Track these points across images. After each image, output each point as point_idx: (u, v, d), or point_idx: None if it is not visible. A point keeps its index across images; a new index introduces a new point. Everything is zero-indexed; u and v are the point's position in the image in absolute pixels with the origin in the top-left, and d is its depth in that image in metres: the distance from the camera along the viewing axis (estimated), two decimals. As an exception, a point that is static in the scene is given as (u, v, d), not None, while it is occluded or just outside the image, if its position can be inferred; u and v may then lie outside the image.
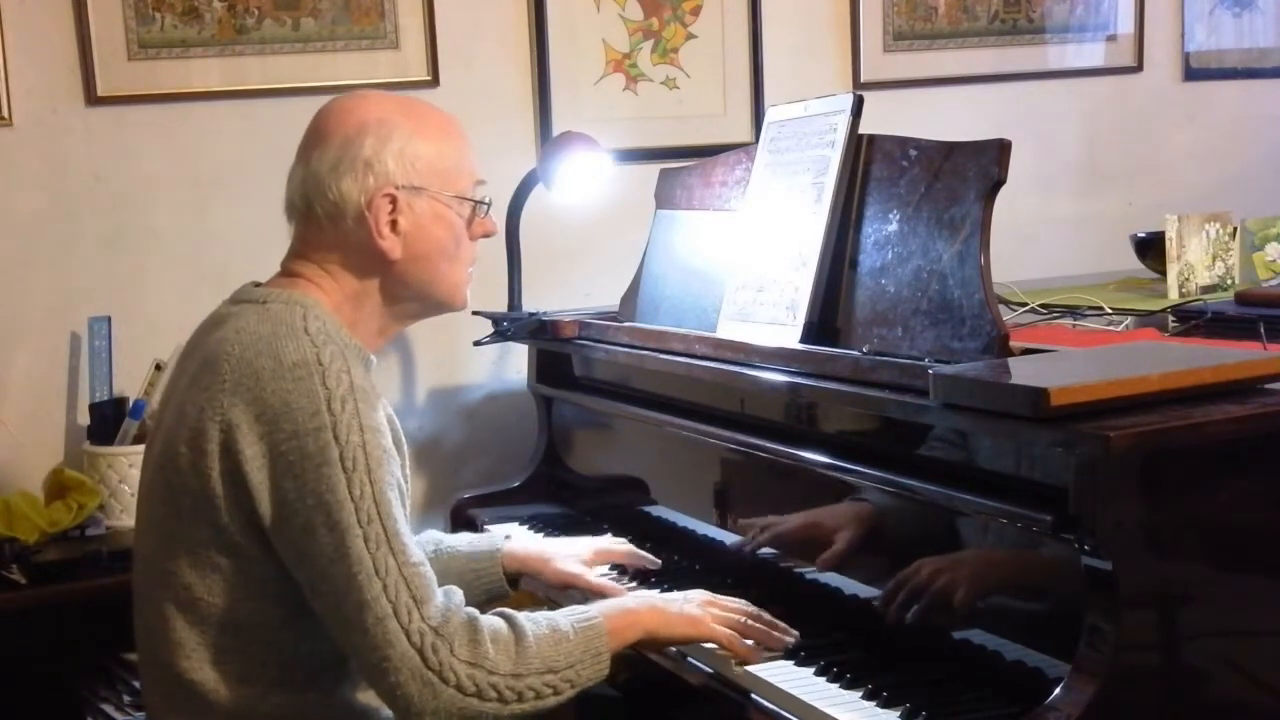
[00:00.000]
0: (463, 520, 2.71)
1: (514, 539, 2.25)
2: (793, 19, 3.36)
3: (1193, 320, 2.29)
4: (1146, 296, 2.62)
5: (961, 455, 1.78)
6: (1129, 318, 2.38)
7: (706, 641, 1.89)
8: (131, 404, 2.83)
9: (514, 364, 3.14)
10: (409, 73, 3.07)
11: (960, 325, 1.90)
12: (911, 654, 1.81)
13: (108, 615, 2.31)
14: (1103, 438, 1.50)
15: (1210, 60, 3.75)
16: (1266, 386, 1.67)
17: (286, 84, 2.98)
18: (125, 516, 2.75)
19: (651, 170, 2.80)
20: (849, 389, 1.92)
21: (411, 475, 2.14)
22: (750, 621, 1.90)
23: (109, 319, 2.86)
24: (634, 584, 2.24)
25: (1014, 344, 1.89)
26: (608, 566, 2.26)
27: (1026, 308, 2.53)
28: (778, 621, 1.91)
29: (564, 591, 2.18)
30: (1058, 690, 1.54)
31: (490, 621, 1.72)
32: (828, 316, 2.13)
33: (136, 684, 2.31)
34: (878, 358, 1.90)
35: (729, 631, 1.88)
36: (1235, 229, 2.70)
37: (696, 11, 3.28)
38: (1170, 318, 2.34)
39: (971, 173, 1.96)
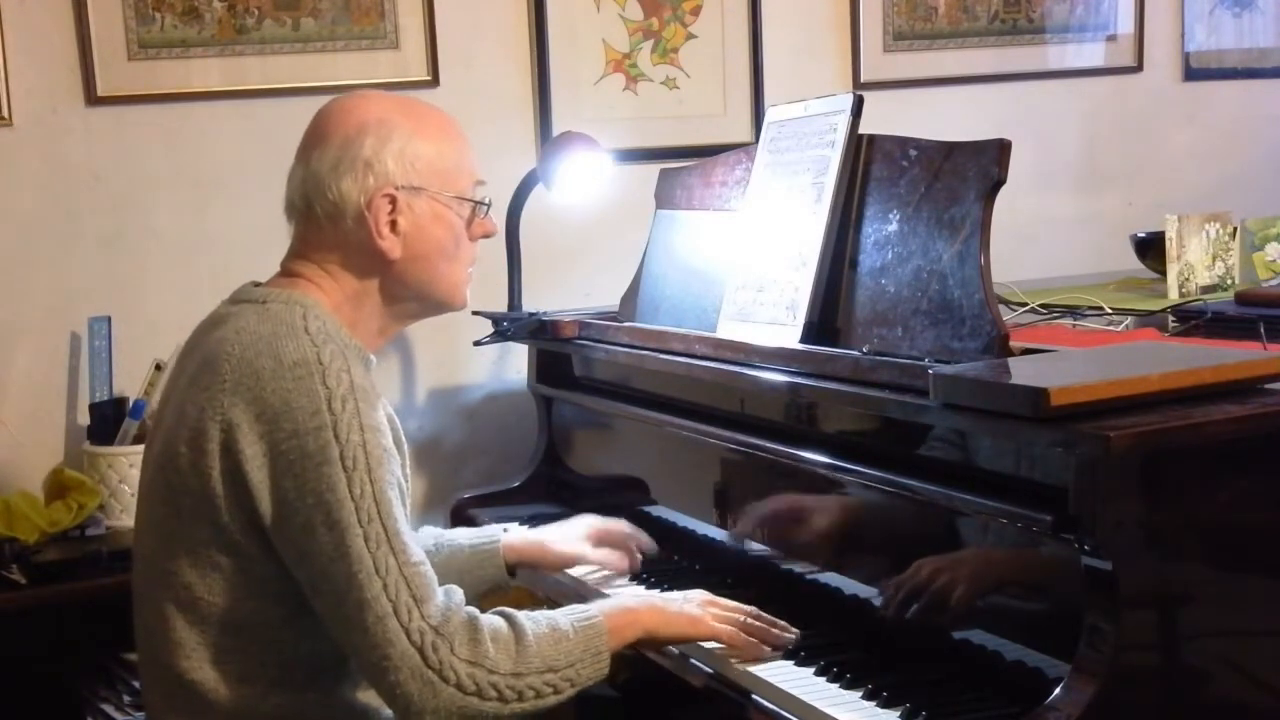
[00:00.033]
0: (463, 520, 2.70)
1: (510, 531, 2.26)
2: (793, 19, 3.36)
3: (1193, 320, 2.29)
4: (1146, 296, 2.62)
5: (961, 455, 1.78)
6: (1129, 318, 2.38)
7: (706, 640, 1.90)
8: (131, 404, 2.83)
9: (514, 364, 3.14)
10: (409, 73, 3.07)
11: (960, 325, 1.90)
12: (911, 654, 1.81)
13: (108, 615, 2.31)
14: (1103, 438, 1.50)
15: (1210, 60, 3.75)
16: (1266, 386, 1.67)
17: (286, 84, 2.98)
18: (125, 516, 2.75)
19: (651, 170, 2.80)
20: (849, 389, 1.92)
21: (411, 475, 2.14)
22: (750, 621, 1.90)
23: (109, 319, 2.86)
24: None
25: (1014, 344, 1.89)
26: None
27: (1026, 308, 2.53)
28: (778, 620, 1.91)
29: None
30: (1058, 690, 1.54)
31: (490, 620, 1.73)
32: (828, 316, 2.13)
33: (136, 684, 2.31)
34: (878, 358, 1.90)
35: (729, 629, 1.88)
36: (1235, 229, 2.70)
37: (696, 11, 3.28)
38: (1170, 318, 2.34)
39: (971, 173, 1.96)
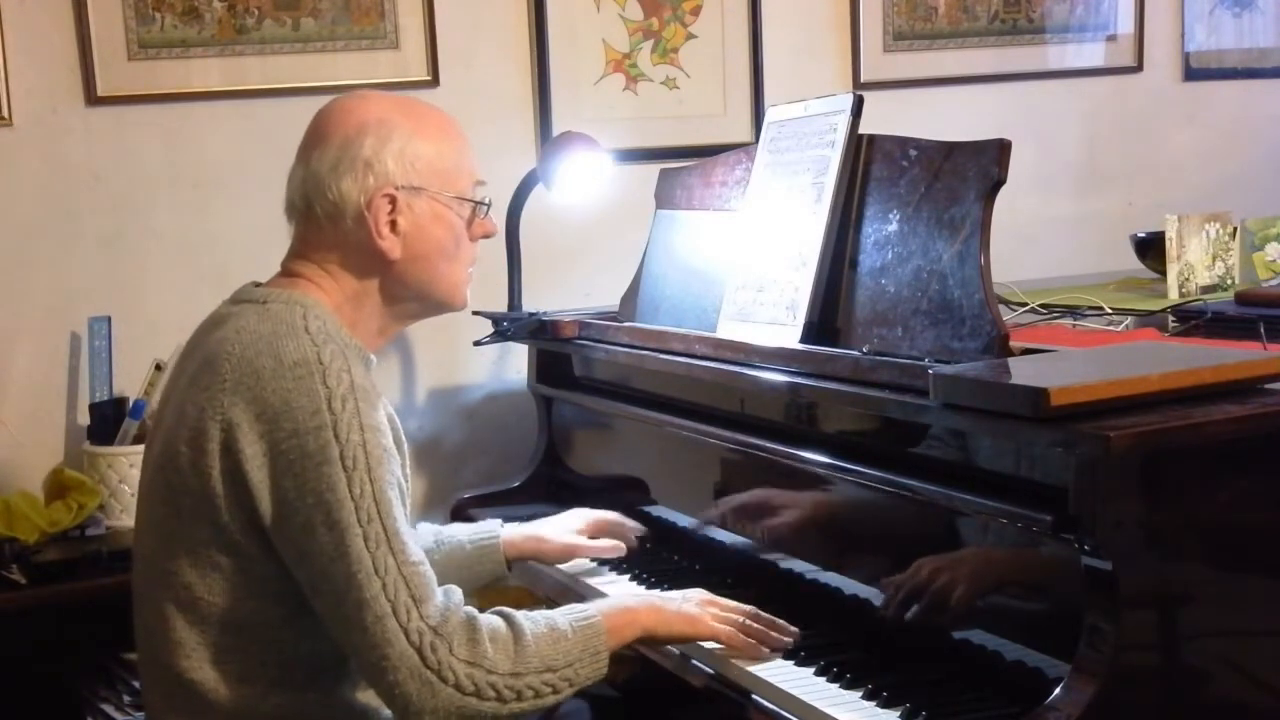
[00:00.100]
0: (462, 520, 2.71)
1: (507, 526, 2.28)
2: (793, 19, 3.36)
3: (1193, 320, 2.29)
4: (1146, 296, 2.62)
5: (961, 455, 1.78)
6: (1129, 318, 2.38)
7: (705, 640, 1.90)
8: (131, 404, 2.83)
9: (514, 364, 3.14)
10: (409, 73, 3.07)
11: (960, 325, 1.90)
12: (911, 654, 1.81)
13: (108, 615, 2.31)
14: (1103, 438, 1.50)
15: (1210, 60, 3.75)
16: (1266, 386, 1.67)
17: (286, 84, 2.98)
18: (125, 516, 2.75)
19: (651, 170, 2.80)
20: (849, 389, 1.92)
21: (411, 475, 2.14)
22: (749, 621, 1.90)
23: (109, 319, 2.86)
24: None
25: (1014, 344, 1.89)
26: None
27: (1026, 308, 2.53)
28: (777, 620, 1.91)
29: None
30: (1058, 690, 1.54)
31: (489, 620, 1.73)
32: (828, 316, 2.13)
33: (136, 684, 2.31)
34: (878, 358, 1.90)
35: (728, 629, 1.88)
36: (1235, 229, 2.70)
37: (696, 11, 3.28)
38: (1170, 318, 2.34)
39: (971, 173, 1.96)
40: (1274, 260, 2.76)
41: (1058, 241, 3.53)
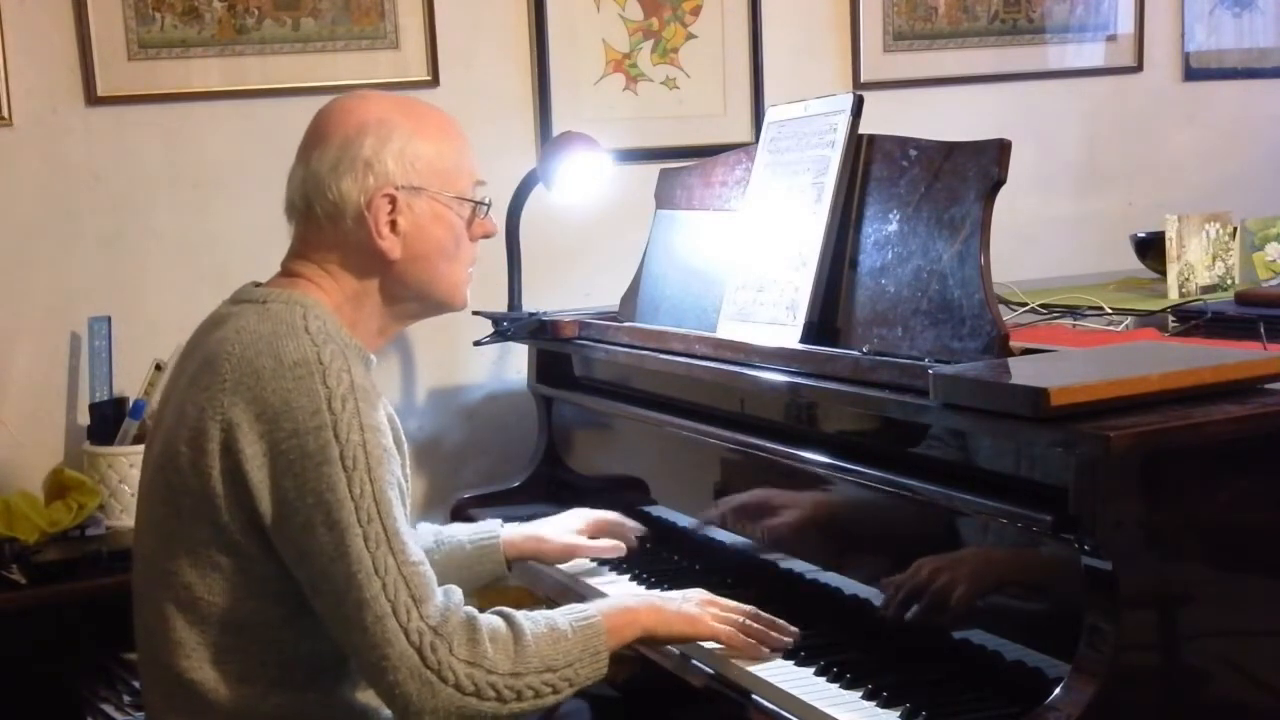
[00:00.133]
0: (462, 520, 2.71)
1: (507, 527, 2.28)
2: (793, 19, 3.36)
3: (1193, 320, 2.29)
4: (1146, 296, 2.62)
5: (961, 455, 1.78)
6: (1129, 318, 2.38)
7: (705, 640, 1.90)
8: (131, 404, 2.83)
9: (514, 364, 3.14)
10: (409, 73, 3.07)
11: (960, 325, 1.90)
12: (911, 654, 1.81)
13: (108, 615, 2.31)
14: (1103, 438, 1.50)
15: (1210, 60, 3.75)
16: (1266, 386, 1.67)
17: (286, 84, 2.98)
18: (125, 516, 2.75)
19: (651, 170, 2.80)
20: (849, 389, 1.92)
21: (411, 475, 2.14)
22: (749, 621, 1.90)
23: (109, 319, 2.86)
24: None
25: (1014, 344, 1.89)
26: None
27: (1026, 308, 2.53)
28: (777, 620, 1.91)
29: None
30: (1058, 690, 1.54)
31: (489, 620, 1.73)
32: (828, 316, 2.13)
33: (136, 684, 2.31)
34: (878, 358, 1.90)
35: (728, 629, 1.88)
36: (1235, 229, 2.70)
37: (696, 11, 3.28)
38: (1170, 318, 2.34)
39: (971, 173, 1.96)
40: (1274, 260, 2.76)
41: (1058, 241, 3.53)
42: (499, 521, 2.29)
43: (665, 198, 2.69)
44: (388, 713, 1.76)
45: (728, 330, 2.29)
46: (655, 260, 2.65)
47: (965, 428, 1.74)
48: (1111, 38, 3.65)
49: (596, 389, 2.69)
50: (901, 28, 3.45)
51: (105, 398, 2.84)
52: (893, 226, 2.06)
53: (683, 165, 2.70)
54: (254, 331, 1.73)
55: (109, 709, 2.51)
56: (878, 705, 1.71)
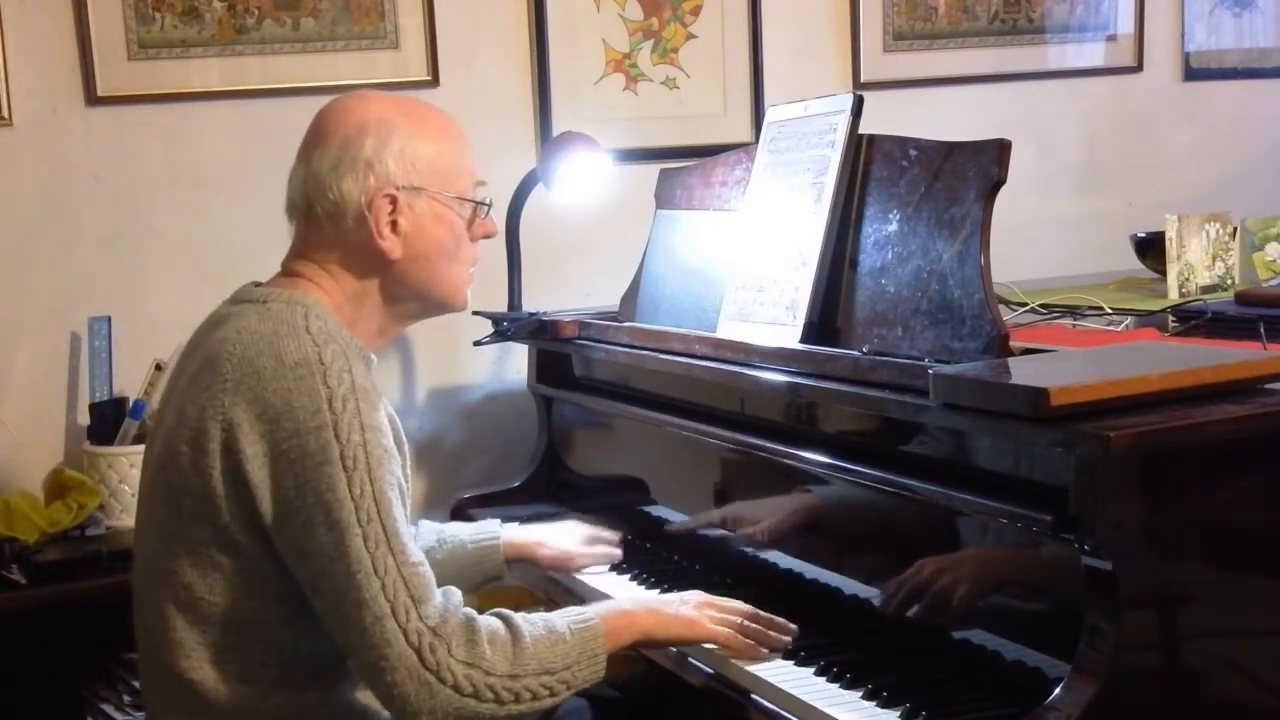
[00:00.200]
0: (462, 520, 2.71)
1: (506, 527, 2.30)
2: (793, 19, 3.36)
3: (1193, 320, 2.29)
4: (1146, 296, 2.62)
5: (961, 455, 1.78)
6: (1129, 318, 2.38)
7: (703, 642, 1.90)
8: (131, 404, 2.83)
9: (514, 364, 3.14)
10: (409, 73, 3.07)
11: (960, 325, 1.90)
12: (911, 654, 1.81)
13: (108, 615, 2.31)
14: (1103, 438, 1.50)
15: (1210, 60, 3.75)
16: (1266, 386, 1.67)
17: (286, 84, 2.98)
18: (125, 516, 2.75)
19: (651, 170, 2.80)
20: (849, 389, 1.92)
21: (412, 475, 2.14)
22: (746, 621, 1.90)
23: (109, 319, 2.86)
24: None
25: (1014, 344, 1.89)
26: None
27: (1026, 308, 2.53)
28: (775, 618, 1.91)
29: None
30: (1058, 690, 1.54)
31: (488, 622, 1.73)
32: (828, 316, 2.13)
33: (136, 684, 2.31)
34: (878, 358, 1.90)
35: (725, 631, 1.88)
36: (1235, 229, 2.70)
37: (696, 11, 3.28)
38: (1170, 318, 2.34)
39: (971, 173, 1.96)
40: (1274, 260, 2.76)
41: (1058, 241, 3.53)
42: (498, 522, 2.29)
43: (665, 198, 2.69)
44: (388, 713, 1.76)
45: (728, 330, 2.29)
46: (655, 260, 2.65)
47: (965, 428, 1.74)
48: (1111, 38, 3.65)
49: (596, 389, 2.69)
50: (901, 28, 3.45)
51: (105, 398, 2.84)
52: (893, 226, 2.06)
53: (683, 165, 2.70)
54: (255, 331, 1.73)
55: (109, 709, 2.51)
56: (878, 705, 1.71)
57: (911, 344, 1.96)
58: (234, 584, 1.73)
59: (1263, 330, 2.09)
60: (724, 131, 3.26)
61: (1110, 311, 2.44)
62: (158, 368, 2.79)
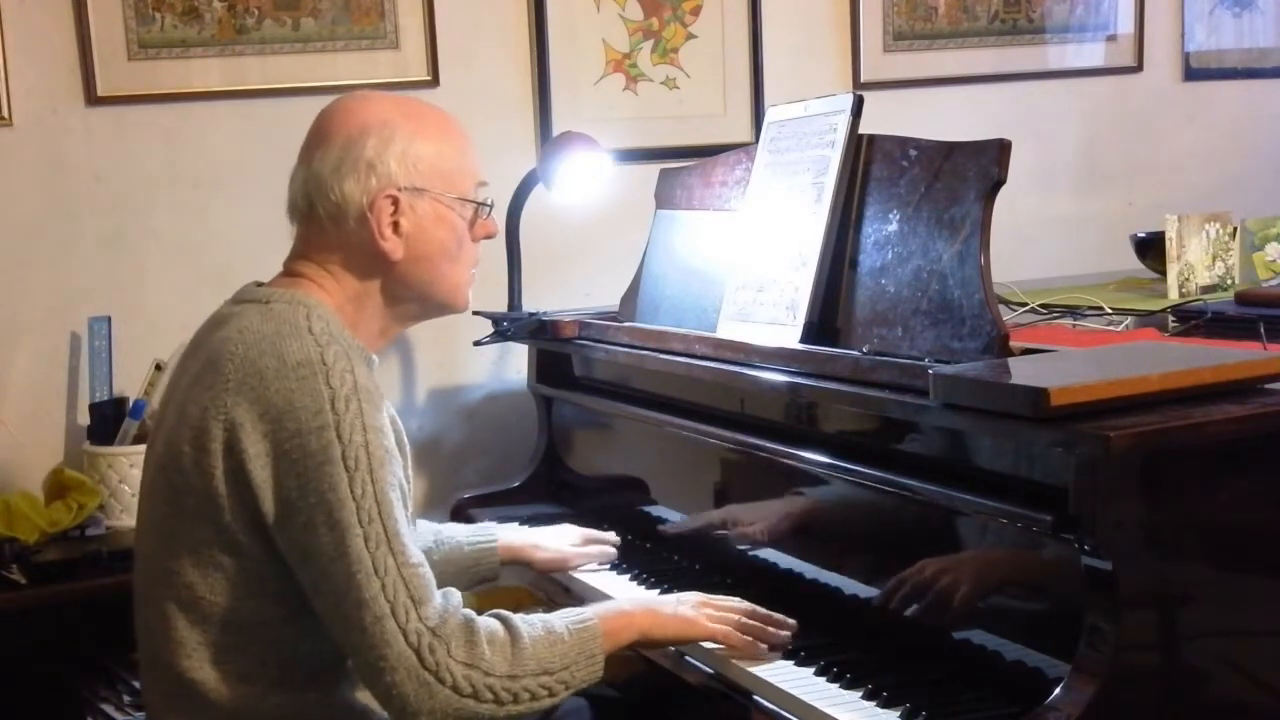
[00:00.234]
0: (462, 520, 2.71)
1: (503, 529, 2.31)
2: (793, 19, 3.36)
3: (1193, 320, 2.29)
4: (1146, 296, 2.62)
5: (961, 455, 1.78)
6: (1129, 318, 2.38)
7: (701, 640, 1.90)
8: (131, 404, 2.83)
9: (514, 364, 3.14)
10: (409, 73, 3.07)
11: (960, 325, 1.90)
12: (911, 654, 1.81)
13: (108, 615, 2.31)
14: (1103, 438, 1.50)
15: (1210, 60, 3.75)
16: (1266, 386, 1.67)
17: (286, 84, 2.98)
18: (125, 516, 2.75)
19: (651, 170, 2.80)
20: (849, 389, 1.92)
21: (412, 475, 2.14)
22: (745, 619, 1.90)
23: (109, 319, 2.86)
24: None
25: (1014, 344, 1.89)
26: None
27: (1026, 308, 2.53)
28: (774, 615, 1.91)
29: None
30: (1058, 690, 1.54)
31: (487, 623, 1.73)
32: (828, 316, 2.13)
33: (136, 684, 2.31)
34: (878, 358, 1.91)
35: (724, 629, 1.88)
36: (1235, 229, 2.70)
37: (696, 11, 3.28)
38: (1170, 318, 2.34)
39: (971, 173, 1.96)
40: (1274, 260, 2.76)
41: (1058, 241, 3.53)
42: (494, 524, 2.31)
43: (665, 198, 2.70)
44: (387, 713, 1.76)
45: (728, 330, 2.29)
46: (655, 260, 2.65)
47: (965, 428, 1.74)
48: (1111, 38, 3.65)
49: (596, 389, 2.69)
50: (901, 28, 3.45)
51: (105, 398, 2.84)
52: (893, 226, 2.06)
53: (683, 165, 2.70)
54: (257, 331, 1.73)
55: (109, 709, 2.51)
56: (878, 705, 1.71)
57: (911, 344, 1.97)
58: (235, 584, 1.73)
59: (1263, 330, 2.09)
60: (724, 131, 3.26)
61: (1110, 311, 2.44)
62: (158, 368, 2.79)
